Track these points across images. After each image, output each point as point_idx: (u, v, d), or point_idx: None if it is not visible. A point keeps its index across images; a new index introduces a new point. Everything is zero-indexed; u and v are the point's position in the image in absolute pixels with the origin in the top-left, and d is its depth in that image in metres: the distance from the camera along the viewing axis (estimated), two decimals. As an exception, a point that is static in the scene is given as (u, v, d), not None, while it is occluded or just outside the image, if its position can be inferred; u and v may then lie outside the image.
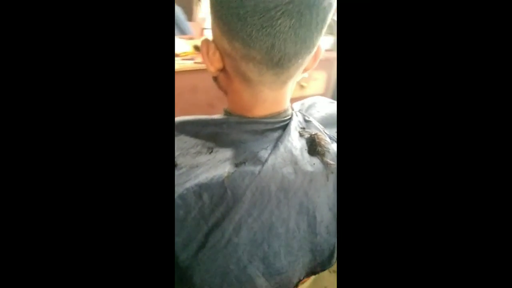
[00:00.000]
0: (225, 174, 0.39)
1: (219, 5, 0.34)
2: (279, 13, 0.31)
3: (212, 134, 0.43)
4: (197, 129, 0.43)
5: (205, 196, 0.38)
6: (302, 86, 1.09)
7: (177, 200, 0.37)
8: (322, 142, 0.45)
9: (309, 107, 0.55)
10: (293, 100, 0.47)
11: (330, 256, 0.46)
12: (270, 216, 0.40)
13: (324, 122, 0.51)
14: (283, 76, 0.39)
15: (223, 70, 0.41)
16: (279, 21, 0.32)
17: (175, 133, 0.43)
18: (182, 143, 0.42)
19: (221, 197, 0.38)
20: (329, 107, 0.56)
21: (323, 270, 0.48)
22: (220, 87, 0.46)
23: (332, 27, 1.32)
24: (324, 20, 0.34)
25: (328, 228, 0.45)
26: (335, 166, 0.44)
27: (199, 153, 0.41)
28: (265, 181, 0.40)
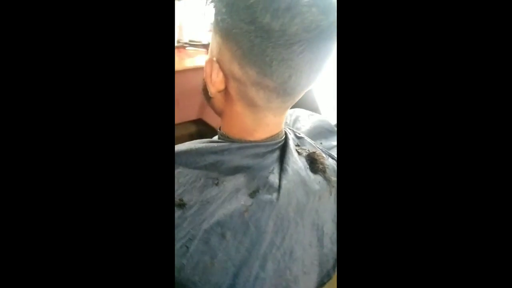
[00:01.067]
0: (244, 208, 0.37)
1: (236, 30, 0.32)
2: (301, 48, 0.31)
3: (213, 163, 0.40)
4: (195, 159, 0.40)
5: (228, 235, 0.36)
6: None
7: (199, 245, 0.35)
8: (322, 160, 0.46)
9: (294, 121, 0.55)
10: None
11: (334, 264, 0.48)
12: (290, 241, 0.40)
13: (311, 136, 0.52)
14: (289, 103, 0.39)
15: (222, 91, 0.40)
16: (300, 56, 0.32)
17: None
18: (183, 177, 0.39)
19: (244, 233, 0.37)
20: (310, 119, 0.57)
21: (329, 279, 0.49)
22: (215, 107, 0.44)
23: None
24: (333, 49, 0.34)
25: (331, 239, 0.46)
26: (335, 180, 0.46)
27: (204, 186, 0.38)
28: (284, 208, 0.40)
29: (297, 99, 0.40)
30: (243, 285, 0.36)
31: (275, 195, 0.40)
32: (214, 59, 0.37)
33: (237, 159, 0.40)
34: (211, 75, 0.38)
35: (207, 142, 0.43)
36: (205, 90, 0.42)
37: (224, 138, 0.43)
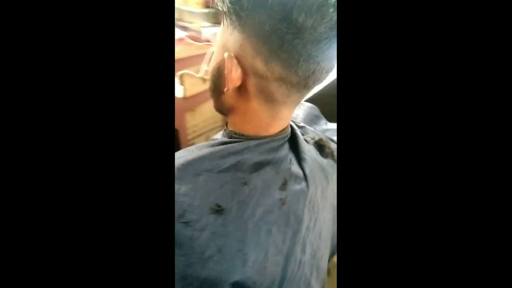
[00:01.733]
0: (281, 202, 0.39)
1: (266, 27, 0.32)
2: (327, 45, 0.33)
3: (235, 164, 0.40)
4: (217, 163, 0.39)
5: (274, 230, 0.37)
6: (204, 80, 1.07)
7: (251, 245, 0.35)
8: (328, 144, 0.50)
9: None
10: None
11: None
12: (320, 224, 0.43)
13: (306, 123, 0.55)
14: (303, 97, 0.41)
15: (236, 87, 0.39)
16: (325, 52, 0.34)
17: (192, 177, 0.38)
18: (211, 183, 0.38)
19: (286, 224, 0.38)
20: (301, 108, 0.60)
21: (334, 254, 0.53)
22: (224, 104, 0.43)
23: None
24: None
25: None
26: None
27: (234, 188, 0.38)
28: (314, 194, 0.42)
29: (310, 93, 0.41)
30: (291, 272, 0.38)
31: (303, 184, 0.42)
32: (232, 54, 0.37)
33: (256, 156, 0.41)
34: (231, 71, 0.37)
35: (220, 143, 0.42)
36: (216, 86, 0.41)
37: (238, 136, 0.43)
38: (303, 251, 0.40)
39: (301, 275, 0.39)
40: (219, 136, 0.48)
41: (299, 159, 0.44)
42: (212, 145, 0.42)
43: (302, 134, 0.50)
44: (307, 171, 0.43)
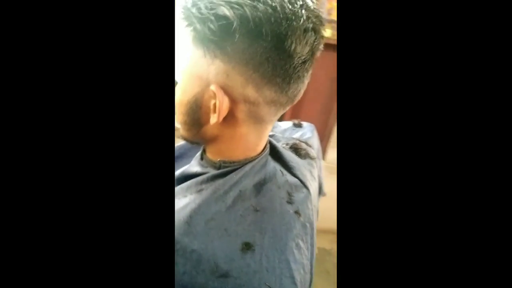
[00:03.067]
0: (297, 215, 0.40)
1: (257, 56, 0.33)
2: (310, 65, 0.36)
3: (238, 195, 0.39)
4: (221, 202, 0.38)
5: (301, 244, 0.39)
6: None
7: (297, 265, 0.36)
8: (300, 145, 0.53)
9: None
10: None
11: None
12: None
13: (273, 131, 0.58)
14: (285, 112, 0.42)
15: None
16: (309, 71, 0.37)
17: (204, 225, 0.36)
18: (225, 226, 0.36)
19: (305, 233, 0.41)
20: None
21: None
22: (206, 135, 0.41)
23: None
24: None
25: None
26: (315, 156, 0.54)
27: (251, 218, 0.38)
28: (313, 196, 0.46)
29: None
30: (313, 273, 0.41)
31: (304, 190, 0.45)
32: (214, 87, 0.35)
33: (252, 179, 0.41)
34: (216, 104, 0.35)
35: (213, 177, 0.40)
36: (194, 120, 0.39)
37: (230, 164, 0.42)
38: (312, 253, 0.43)
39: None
40: (196, 167, 0.45)
41: (289, 168, 0.46)
42: (202, 181, 0.40)
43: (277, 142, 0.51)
44: (301, 177, 0.45)
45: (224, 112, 0.36)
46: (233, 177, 0.40)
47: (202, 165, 0.44)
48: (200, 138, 0.42)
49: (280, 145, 0.50)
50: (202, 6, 0.32)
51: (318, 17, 0.34)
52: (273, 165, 0.44)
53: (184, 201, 0.38)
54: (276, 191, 0.41)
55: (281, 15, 0.31)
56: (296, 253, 0.37)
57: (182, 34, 0.35)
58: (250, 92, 0.36)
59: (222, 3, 0.31)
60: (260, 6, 0.31)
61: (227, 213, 0.37)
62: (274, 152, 0.46)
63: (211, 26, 0.32)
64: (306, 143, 0.56)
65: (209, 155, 0.43)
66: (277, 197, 0.41)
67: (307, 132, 0.62)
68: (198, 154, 0.46)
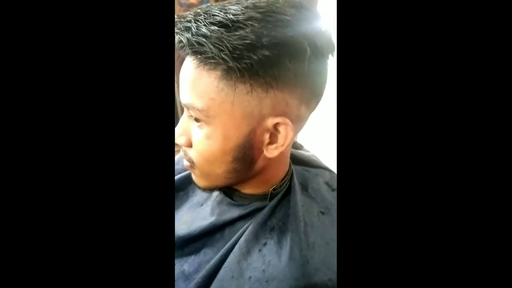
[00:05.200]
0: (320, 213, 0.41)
1: (310, 75, 0.33)
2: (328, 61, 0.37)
3: (283, 222, 0.40)
4: (264, 231, 0.39)
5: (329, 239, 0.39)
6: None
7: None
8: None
9: None
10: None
11: None
12: None
13: None
14: None
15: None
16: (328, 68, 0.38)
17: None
18: (268, 257, 0.36)
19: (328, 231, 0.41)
20: None
21: None
22: (253, 173, 0.38)
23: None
24: None
25: None
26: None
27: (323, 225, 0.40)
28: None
29: None
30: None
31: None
32: (281, 119, 0.33)
33: (301, 184, 0.44)
34: (288, 137, 0.34)
35: (270, 211, 0.39)
36: (245, 162, 0.36)
37: (279, 188, 0.42)
38: None
39: None
40: (230, 212, 0.41)
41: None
42: (265, 229, 0.39)
43: None
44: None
45: (291, 140, 0.34)
46: (295, 197, 0.40)
47: (239, 206, 0.41)
48: (245, 178, 0.39)
49: None
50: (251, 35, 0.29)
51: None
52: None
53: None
54: (315, 178, 0.45)
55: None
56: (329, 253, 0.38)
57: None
58: (303, 110, 0.35)
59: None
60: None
61: (272, 246, 0.37)
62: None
63: (266, 53, 0.29)
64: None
65: (247, 191, 0.41)
66: (323, 184, 0.44)
67: None
68: (219, 198, 0.43)
